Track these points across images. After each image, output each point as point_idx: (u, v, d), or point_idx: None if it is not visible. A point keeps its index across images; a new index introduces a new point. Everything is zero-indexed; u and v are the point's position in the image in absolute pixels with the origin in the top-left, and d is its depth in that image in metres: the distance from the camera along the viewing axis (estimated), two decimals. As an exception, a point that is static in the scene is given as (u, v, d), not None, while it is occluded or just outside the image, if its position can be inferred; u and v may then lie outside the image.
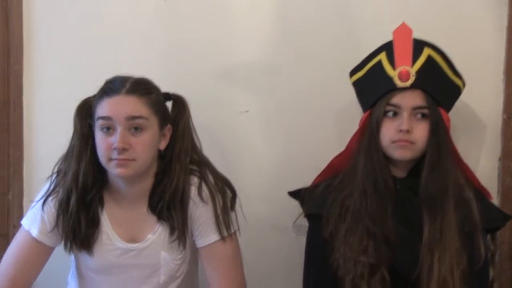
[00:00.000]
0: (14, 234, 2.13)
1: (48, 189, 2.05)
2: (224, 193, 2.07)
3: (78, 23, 2.45)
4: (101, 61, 2.40)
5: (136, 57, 2.30)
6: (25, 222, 2.06)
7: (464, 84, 2.09)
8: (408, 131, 1.97)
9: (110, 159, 1.95)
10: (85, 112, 2.02)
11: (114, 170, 1.96)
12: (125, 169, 1.94)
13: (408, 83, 1.99)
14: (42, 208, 2.03)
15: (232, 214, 2.08)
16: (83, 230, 2.01)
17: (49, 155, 2.40)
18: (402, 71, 2.00)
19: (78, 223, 2.01)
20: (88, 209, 2.03)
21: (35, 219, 2.04)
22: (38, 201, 2.05)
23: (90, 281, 2.11)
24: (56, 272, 2.24)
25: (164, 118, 2.02)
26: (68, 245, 2.03)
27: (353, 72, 2.14)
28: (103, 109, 1.95)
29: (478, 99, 2.34)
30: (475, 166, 2.31)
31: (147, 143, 1.97)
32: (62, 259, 2.16)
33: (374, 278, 1.98)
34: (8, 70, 2.46)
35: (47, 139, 2.47)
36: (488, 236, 2.09)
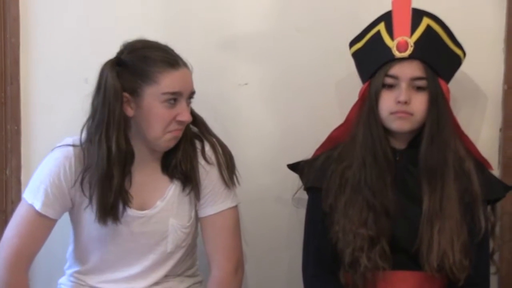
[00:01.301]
0: (12, 209, 2.13)
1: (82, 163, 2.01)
2: (224, 148, 2.11)
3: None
4: (100, 33, 2.38)
5: (136, 28, 2.26)
6: (27, 195, 2.04)
7: (464, 54, 2.08)
8: (406, 103, 1.96)
9: (167, 132, 1.96)
10: (116, 74, 1.97)
11: (165, 143, 1.99)
12: (177, 140, 2.01)
13: (406, 53, 1.97)
14: (81, 184, 1.99)
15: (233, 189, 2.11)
16: (120, 205, 2.00)
17: (47, 129, 2.42)
18: (401, 41, 1.98)
19: (119, 197, 1.99)
20: (123, 183, 2.01)
21: (38, 192, 2.01)
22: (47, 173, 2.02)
23: (94, 253, 2.10)
24: (53, 251, 2.25)
25: None
26: (102, 220, 1.99)
27: (352, 43, 2.12)
28: (174, 83, 1.95)
29: (479, 69, 2.32)
30: (476, 136, 2.30)
31: None
32: (60, 238, 2.16)
33: (374, 250, 1.98)
34: (5, 43, 2.43)
35: (44, 113, 2.45)
36: (489, 207, 2.08)
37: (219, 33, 2.39)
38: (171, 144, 2.00)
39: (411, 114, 1.97)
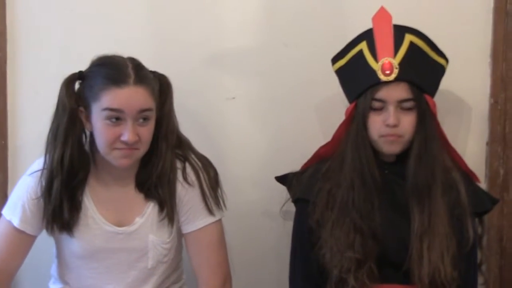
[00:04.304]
0: (-2, 224, 2.11)
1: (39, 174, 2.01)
2: (208, 169, 2.07)
3: (63, 8, 2.41)
4: (87, 47, 2.34)
5: (123, 42, 2.28)
6: (5, 212, 2.04)
7: (447, 61, 2.05)
8: (395, 125, 1.95)
9: (113, 149, 1.93)
10: (72, 89, 1.98)
11: (115, 160, 1.95)
12: (129, 159, 1.95)
13: (392, 76, 1.95)
14: (25, 194, 2.00)
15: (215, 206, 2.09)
16: (65, 214, 1.99)
17: (34, 144, 2.39)
18: (385, 63, 1.96)
19: (60, 207, 1.98)
20: (72, 193, 2.00)
21: (15, 208, 2.01)
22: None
23: (75, 270, 2.09)
24: (39, 266, 2.24)
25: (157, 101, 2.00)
26: (49, 228, 2.00)
27: (335, 60, 2.11)
28: (114, 101, 1.90)
29: (465, 83, 2.33)
30: (463, 150, 2.31)
31: (151, 131, 1.97)
32: (44, 254, 2.16)
33: (362, 271, 1.97)
34: (-9, 57, 2.43)
35: (32, 128, 2.44)
36: (476, 220, 2.08)
37: (207, 47, 2.40)
38: (125, 163, 1.95)
39: (401, 136, 1.97)
